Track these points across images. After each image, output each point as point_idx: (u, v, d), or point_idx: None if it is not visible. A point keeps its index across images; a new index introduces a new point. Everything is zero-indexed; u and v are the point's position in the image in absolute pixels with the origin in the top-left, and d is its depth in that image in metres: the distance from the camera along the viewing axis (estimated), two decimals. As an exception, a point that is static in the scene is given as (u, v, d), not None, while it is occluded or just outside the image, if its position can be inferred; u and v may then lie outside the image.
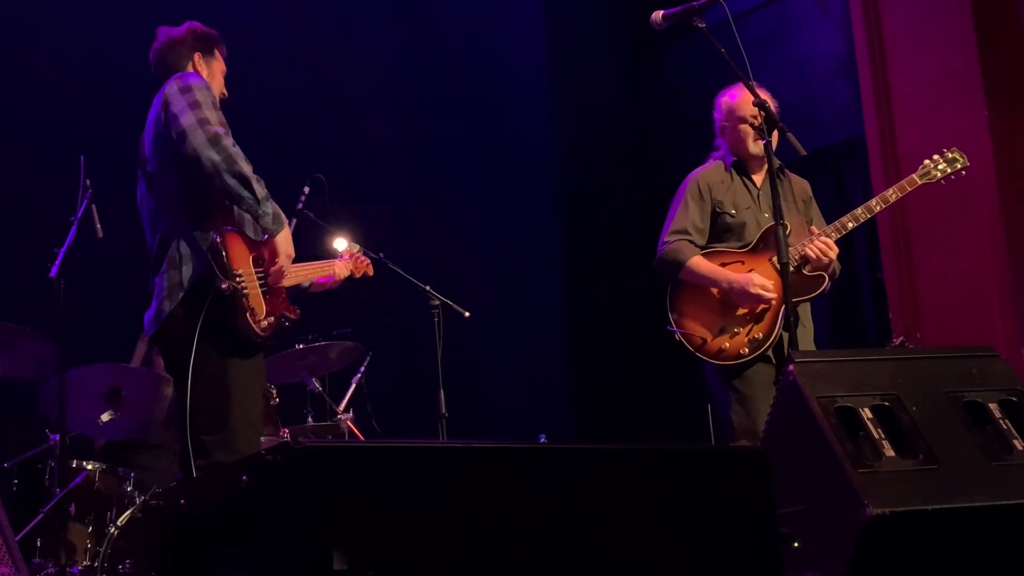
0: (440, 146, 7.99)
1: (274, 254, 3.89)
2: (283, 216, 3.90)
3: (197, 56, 4.16)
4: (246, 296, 3.76)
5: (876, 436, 3.04)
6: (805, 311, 4.63)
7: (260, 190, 3.78)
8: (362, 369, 6.12)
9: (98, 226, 4.93)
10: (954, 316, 6.03)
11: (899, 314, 6.30)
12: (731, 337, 4.49)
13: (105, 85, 6.71)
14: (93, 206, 4.92)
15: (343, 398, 6.02)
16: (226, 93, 4.25)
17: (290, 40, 7.21)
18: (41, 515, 4.96)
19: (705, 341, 4.51)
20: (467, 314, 5.80)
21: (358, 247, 4.43)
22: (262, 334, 3.83)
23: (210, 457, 3.76)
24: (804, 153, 4.00)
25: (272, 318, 3.85)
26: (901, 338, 5.56)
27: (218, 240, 3.76)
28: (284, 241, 3.90)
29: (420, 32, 8.03)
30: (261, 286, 3.86)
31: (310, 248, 5.83)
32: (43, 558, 5.00)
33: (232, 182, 3.73)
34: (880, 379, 3.19)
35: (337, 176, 5.98)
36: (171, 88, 3.91)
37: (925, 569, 2.95)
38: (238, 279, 3.75)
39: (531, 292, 8.05)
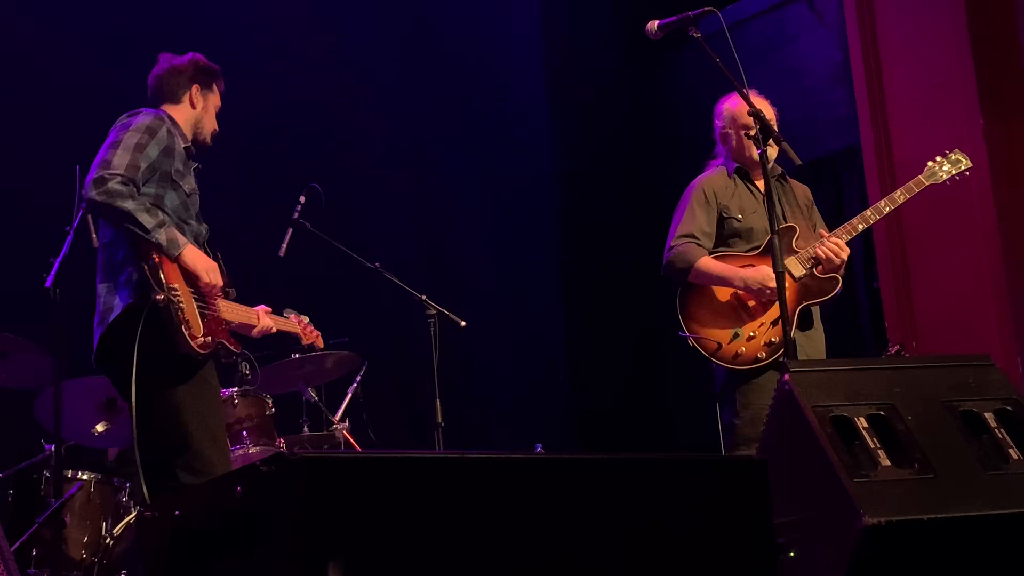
0: (437, 154, 7.98)
1: (194, 273, 3.93)
2: (180, 238, 3.92)
3: (195, 88, 4.23)
4: (181, 310, 3.78)
5: (872, 445, 3.03)
6: (817, 314, 4.61)
7: (149, 220, 3.81)
8: (358, 379, 6.11)
9: (94, 236, 4.90)
10: (950, 325, 6.03)
11: (895, 323, 6.29)
12: (747, 341, 4.42)
13: (102, 94, 6.70)
14: (89, 216, 4.91)
15: (339, 408, 6.01)
16: (217, 128, 4.31)
17: (285, 46, 7.20)
18: (36, 525, 4.95)
19: (720, 346, 4.44)
20: (463, 324, 5.79)
21: (307, 319, 4.46)
22: (200, 351, 3.83)
23: (177, 479, 3.77)
24: (800, 163, 4.00)
25: (210, 338, 3.87)
26: (897, 347, 5.56)
27: (156, 259, 3.81)
28: (191, 258, 3.92)
29: (417, 38, 8.01)
30: (198, 305, 3.89)
31: (305, 257, 5.86)
32: (38, 568, 4.99)
33: (116, 217, 3.83)
34: (876, 388, 3.18)
35: (333, 185, 5.98)
36: (121, 119, 4.02)
37: (922, 579, 2.95)
38: (172, 292, 3.78)
39: (528, 300, 8.03)
